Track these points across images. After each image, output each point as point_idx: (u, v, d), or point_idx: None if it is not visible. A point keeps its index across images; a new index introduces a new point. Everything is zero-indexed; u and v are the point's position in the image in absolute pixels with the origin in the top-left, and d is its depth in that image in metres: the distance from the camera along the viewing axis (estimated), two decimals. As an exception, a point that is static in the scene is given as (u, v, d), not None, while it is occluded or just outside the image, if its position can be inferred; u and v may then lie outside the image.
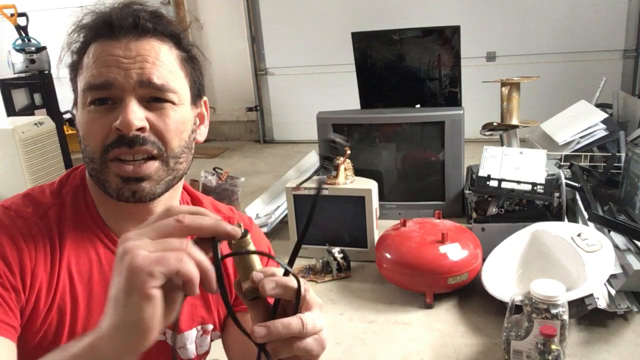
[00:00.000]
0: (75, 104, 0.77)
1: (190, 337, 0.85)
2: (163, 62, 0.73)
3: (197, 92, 0.80)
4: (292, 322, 0.54)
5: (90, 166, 0.73)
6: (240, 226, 0.55)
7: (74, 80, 0.76)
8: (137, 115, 0.69)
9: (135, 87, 0.70)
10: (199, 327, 0.86)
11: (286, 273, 0.56)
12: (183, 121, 0.75)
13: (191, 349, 0.86)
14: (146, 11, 0.74)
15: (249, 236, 0.56)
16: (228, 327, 0.90)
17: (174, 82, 0.73)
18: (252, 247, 0.56)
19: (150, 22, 0.73)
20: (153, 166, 0.72)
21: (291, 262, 0.59)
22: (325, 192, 2.52)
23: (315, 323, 0.56)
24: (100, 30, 0.72)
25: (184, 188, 0.88)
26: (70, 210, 0.77)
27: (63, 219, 0.76)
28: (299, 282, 0.56)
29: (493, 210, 2.44)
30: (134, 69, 0.70)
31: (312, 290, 0.58)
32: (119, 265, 0.49)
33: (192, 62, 0.78)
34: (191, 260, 0.49)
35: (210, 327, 0.87)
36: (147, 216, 0.78)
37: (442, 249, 2.08)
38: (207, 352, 0.91)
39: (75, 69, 0.75)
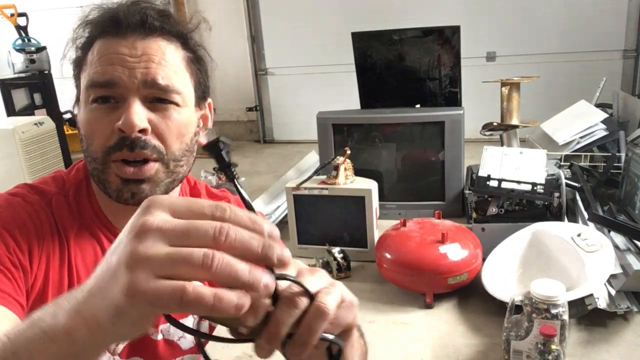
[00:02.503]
0: (77, 100, 0.76)
1: (188, 325, 0.85)
2: (169, 63, 0.72)
3: (202, 94, 0.79)
4: (313, 322, 0.45)
5: (92, 165, 0.73)
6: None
7: (77, 76, 0.75)
8: (139, 116, 0.69)
9: (140, 87, 0.69)
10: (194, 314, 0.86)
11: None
12: (185, 123, 0.74)
13: (189, 337, 0.86)
14: (154, 10, 0.73)
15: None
16: None
17: (178, 83, 0.73)
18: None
19: (158, 20, 0.72)
20: (153, 168, 0.72)
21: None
22: (325, 192, 2.52)
23: (332, 294, 0.46)
24: (106, 27, 0.71)
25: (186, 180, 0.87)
26: (73, 203, 0.77)
27: (66, 209, 0.76)
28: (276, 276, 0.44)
29: (493, 210, 2.44)
30: (138, 69, 0.69)
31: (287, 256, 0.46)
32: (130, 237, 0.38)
33: (198, 64, 0.78)
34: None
35: None
36: None
37: (442, 249, 2.08)
38: (207, 341, 0.90)
39: (79, 65, 0.74)
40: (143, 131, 0.69)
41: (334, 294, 0.47)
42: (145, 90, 0.70)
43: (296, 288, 0.46)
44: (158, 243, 0.37)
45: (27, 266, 0.68)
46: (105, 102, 0.70)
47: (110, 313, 0.37)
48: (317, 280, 0.48)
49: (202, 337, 0.48)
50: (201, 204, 0.40)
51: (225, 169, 0.49)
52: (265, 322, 0.45)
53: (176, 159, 0.74)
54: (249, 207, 0.46)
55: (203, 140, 0.81)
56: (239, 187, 0.48)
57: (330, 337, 0.48)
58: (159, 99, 0.71)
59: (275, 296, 0.45)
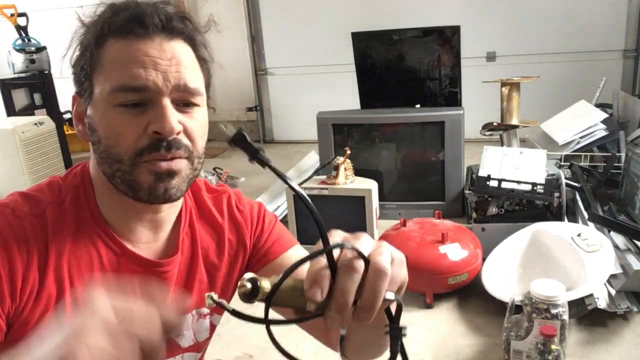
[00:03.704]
0: (88, 97, 0.73)
1: (187, 323, 0.85)
2: (193, 65, 0.73)
3: (207, 94, 0.80)
4: (375, 283, 0.47)
5: (116, 167, 0.71)
6: (210, 297, 0.48)
7: (88, 75, 0.72)
8: (175, 119, 0.70)
9: (172, 90, 0.70)
10: (194, 312, 0.86)
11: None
12: (205, 123, 0.77)
13: (189, 335, 0.85)
14: (175, 11, 0.74)
15: (264, 282, 0.48)
16: None
17: (200, 85, 0.74)
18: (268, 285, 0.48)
19: (180, 22, 0.73)
20: (182, 162, 0.73)
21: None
22: (325, 192, 2.52)
23: (384, 254, 0.49)
24: (127, 26, 0.70)
25: None
26: (71, 209, 0.76)
27: (62, 217, 0.75)
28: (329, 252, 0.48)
29: (493, 210, 2.44)
30: (170, 72, 0.70)
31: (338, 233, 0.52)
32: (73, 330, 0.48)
33: (206, 63, 0.79)
34: None
35: (205, 310, 0.87)
36: (153, 214, 0.78)
37: (442, 249, 2.08)
38: (208, 339, 0.90)
39: (91, 64, 0.72)
40: (177, 133, 0.71)
41: (385, 254, 0.49)
42: (176, 93, 0.71)
43: (349, 255, 0.48)
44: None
45: (4, 292, 0.68)
46: (134, 106, 0.70)
47: None
48: (365, 243, 0.50)
49: (272, 324, 0.49)
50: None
51: (257, 156, 0.50)
52: (329, 296, 0.47)
53: (199, 156, 0.76)
54: (292, 189, 0.49)
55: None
56: (275, 169, 0.50)
57: (391, 296, 0.49)
58: (186, 101, 0.73)
59: (333, 269, 0.47)
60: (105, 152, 0.72)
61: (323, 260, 0.48)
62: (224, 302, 0.48)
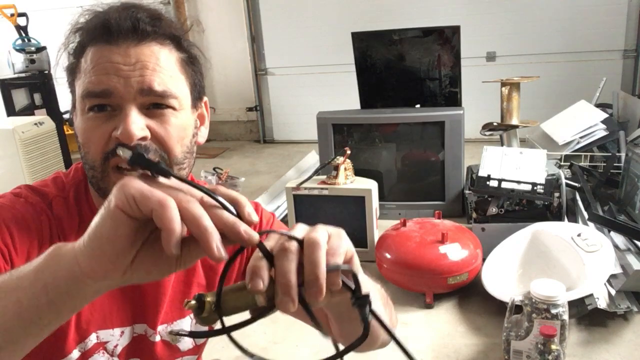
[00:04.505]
0: (73, 107, 0.75)
1: (186, 327, 0.85)
2: (163, 67, 0.71)
3: (198, 95, 0.79)
4: (311, 255, 0.48)
5: (91, 173, 0.73)
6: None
7: (72, 83, 0.74)
8: (137, 125, 0.68)
9: (136, 95, 0.69)
10: (191, 315, 0.86)
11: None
12: (184, 127, 0.74)
13: (188, 338, 0.86)
14: (145, 13, 0.72)
15: (207, 296, 0.50)
16: None
17: (174, 87, 0.72)
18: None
19: (150, 25, 0.71)
20: None
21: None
22: (325, 192, 2.52)
23: (317, 231, 0.51)
24: (97, 34, 0.70)
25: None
26: (73, 204, 0.77)
27: (66, 212, 0.76)
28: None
29: (493, 210, 2.44)
30: (133, 77, 0.69)
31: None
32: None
33: (192, 64, 0.77)
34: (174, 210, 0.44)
35: None
36: None
37: (442, 249, 2.08)
38: (206, 341, 0.91)
39: (73, 72, 0.73)
40: (142, 139, 0.69)
41: (318, 230, 0.51)
42: (142, 97, 0.70)
43: (282, 240, 0.50)
44: None
45: (17, 263, 0.68)
46: (101, 110, 0.70)
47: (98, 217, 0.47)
48: (299, 229, 0.52)
49: (232, 330, 0.50)
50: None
51: (161, 170, 0.50)
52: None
53: (179, 162, 0.74)
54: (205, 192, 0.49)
55: (201, 139, 0.81)
56: (181, 178, 0.50)
57: (341, 264, 0.50)
58: (156, 104, 0.71)
59: (270, 257, 0.49)
60: (83, 157, 0.74)
61: (258, 253, 0.49)
62: (181, 332, 0.48)
